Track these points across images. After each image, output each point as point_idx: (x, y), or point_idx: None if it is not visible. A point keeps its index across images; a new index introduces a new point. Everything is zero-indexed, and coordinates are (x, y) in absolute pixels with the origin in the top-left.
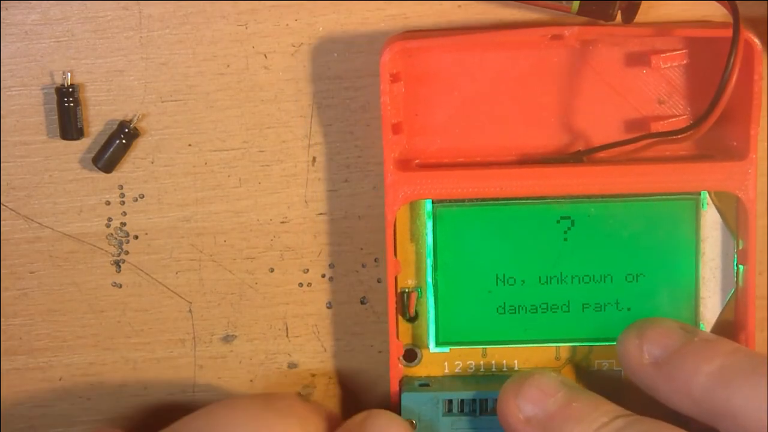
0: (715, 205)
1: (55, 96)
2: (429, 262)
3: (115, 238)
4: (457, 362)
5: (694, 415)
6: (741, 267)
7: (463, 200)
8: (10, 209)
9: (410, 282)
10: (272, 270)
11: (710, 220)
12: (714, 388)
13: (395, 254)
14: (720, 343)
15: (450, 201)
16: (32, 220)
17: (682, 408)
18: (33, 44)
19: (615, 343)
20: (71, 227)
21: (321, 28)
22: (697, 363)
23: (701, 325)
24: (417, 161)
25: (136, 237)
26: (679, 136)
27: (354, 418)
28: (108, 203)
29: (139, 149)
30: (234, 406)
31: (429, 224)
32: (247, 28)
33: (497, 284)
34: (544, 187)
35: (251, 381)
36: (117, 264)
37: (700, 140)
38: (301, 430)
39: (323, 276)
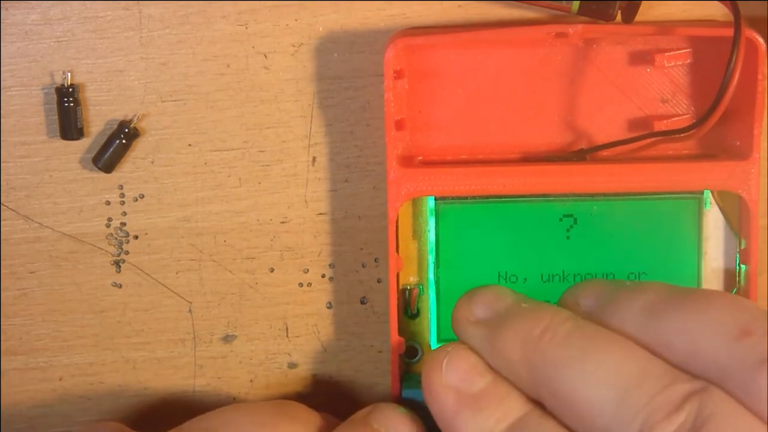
0: (718, 205)
1: (55, 96)
2: (431, 259)
3: (115, 238)
4: None
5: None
6: (743, 267)
7: (465, 197)
8: (10, 209)
9: (412, 279)
10: (272, 270)
11: (713, 219)
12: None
13: (397, 251)
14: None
15: (452, 198)
16: (32, 220)
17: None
18: (33, 44)
19: None
20: (71, 227)
21: (321, 28)
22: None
23: None
24: (420, 158)
25: (136, 237)
26: (682, 135)
27: (359, 411)
28: (108, 203)
29: (139, 149)
30: (245, 408)
31: (431, 221)
32: (247, 28)
33: (499, 282)
34: (547, 184)
35: (251, 381)
36: (117, 264)
37: (703, 139)
38: None
39: (323, 276)
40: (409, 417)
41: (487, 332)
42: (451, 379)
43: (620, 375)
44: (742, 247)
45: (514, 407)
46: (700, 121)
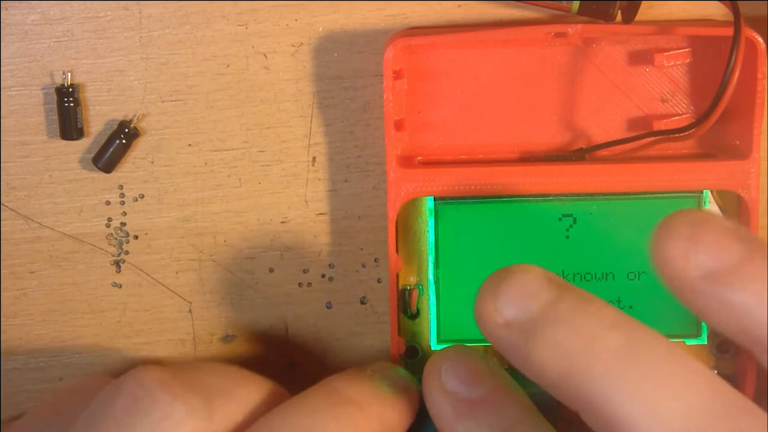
0: (718, 204)
1: (55, 96)
2: (430, 259)
3: (115, 238)
4: None
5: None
6: None
7: (464, 197)
8: (10, 209)
9: (411, 279)
10: (272, 270)
11: None
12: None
13: (397, 251)
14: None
15: (452, 198)
16: (32, 220)
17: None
18: (33, 44)
19: None
20: (71, 227)
21: (321, 28)
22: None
23: (702, 325)
24: (419, 158)
25: (136, 237)
26: (682, 135)
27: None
28: (108, 203)
29: (139, 149)
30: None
31: (431, 221)
32: (247, 28)
33: None
34: (546, 184)
35: None
36: (117, 264)
37: (702, 139)
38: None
39: (323, 276)
40: (409, 376)
41: (518, 340)
42: (449, 385)
43: (685, 411)
44: None
45: (510, 415)
46: (700, 120)
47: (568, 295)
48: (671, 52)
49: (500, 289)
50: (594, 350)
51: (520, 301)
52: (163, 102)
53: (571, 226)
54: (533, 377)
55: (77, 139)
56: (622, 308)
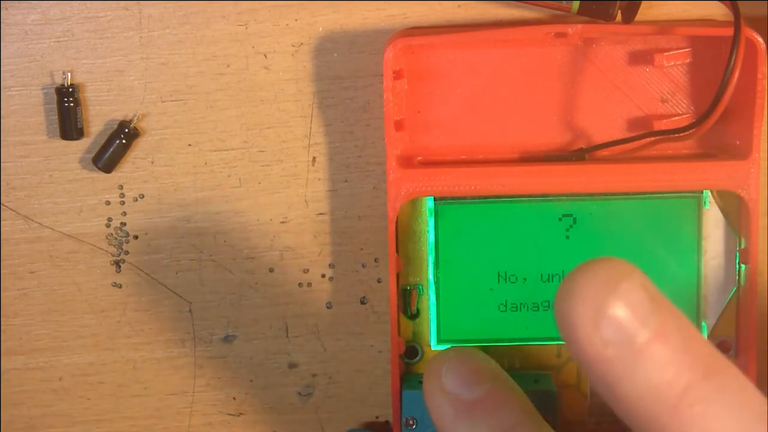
0: (718, 204)
1: (55, 96)
2: (431, 259)
3: (115, 238)
4: None
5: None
6: (743, 266)
7: (465, 197)
8: (10, 209)
9: (412, 279)
10: (272, 270)
11: (712, 218)
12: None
13: (397, 251)
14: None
15: (452, 198)
16: (32, 220)
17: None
18: (33, 44)
19: None
20: (71, 227)
21: (321, 28)
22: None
23: (703, 324)
24: (419, 158)
25: (136, 237)
26: (682, 135)
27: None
28: (108, 203)
29: (139, 149)
30: None
31: (431, 221)
32: (247, 28)
33: (499, 282)
34: (546, 184)
35: (251, 381)
36: (117, 264)
37: (702, 139)
38: None
39: (323, 276)
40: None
41: (611, 366)
42: (448, 386)
43: None
44: (742, 246)
45: (510, 416)
46: (700, 120)
47: (670, 324)
48: (671, 52)
49: (607, 303)
50: (686, 400)
51: (628, 323)
52: (163, 102)
53: (571, 226)
54: (609, 398)
55: (77, 139)
56: None
